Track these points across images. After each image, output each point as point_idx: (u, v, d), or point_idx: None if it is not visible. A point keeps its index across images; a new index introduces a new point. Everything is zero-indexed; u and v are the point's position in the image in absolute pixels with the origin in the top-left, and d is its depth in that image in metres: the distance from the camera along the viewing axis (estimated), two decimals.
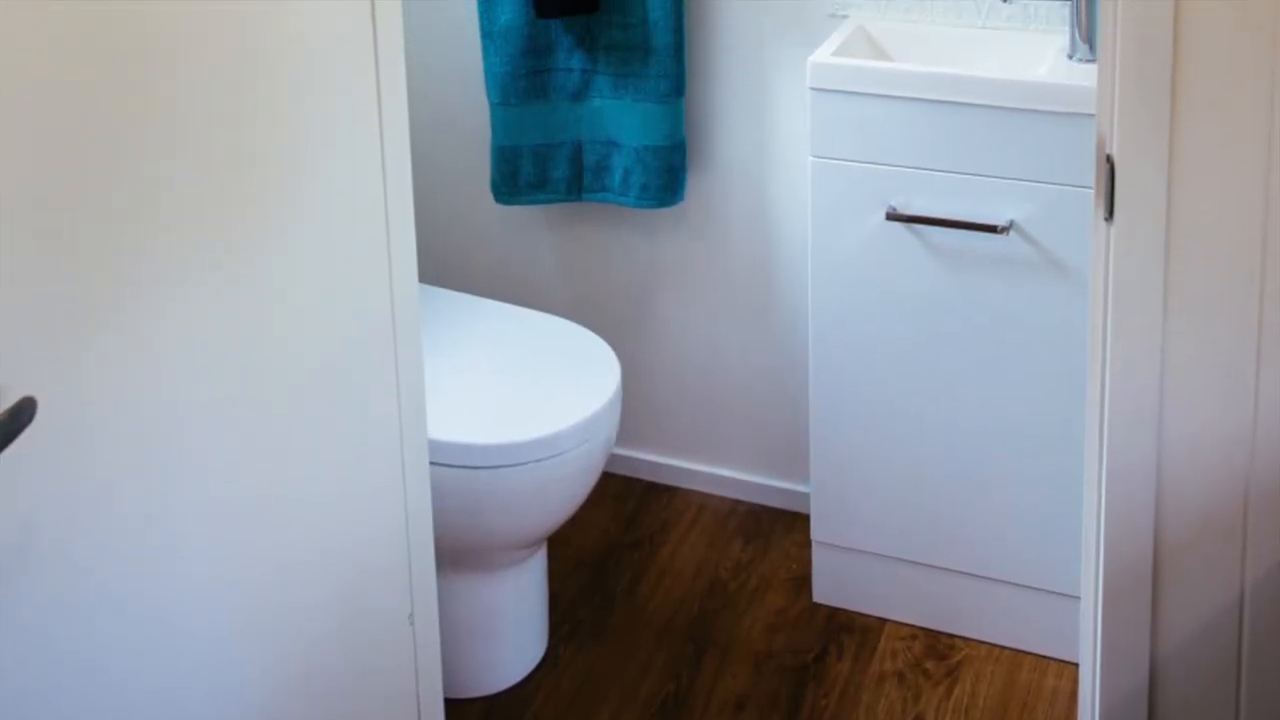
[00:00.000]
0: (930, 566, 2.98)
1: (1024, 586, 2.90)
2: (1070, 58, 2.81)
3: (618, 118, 3.19)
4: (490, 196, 3.39)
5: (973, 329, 2.81)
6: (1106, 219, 1.77)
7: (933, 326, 2.84)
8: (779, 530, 3.36)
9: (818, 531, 3.08)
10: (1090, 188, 1.83)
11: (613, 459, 3.26)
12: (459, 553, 2.70)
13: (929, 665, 2.94)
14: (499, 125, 3.25)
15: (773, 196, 3.24)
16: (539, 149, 3.26)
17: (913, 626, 3.04)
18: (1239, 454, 1.78)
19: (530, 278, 3.54)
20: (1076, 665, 2.42)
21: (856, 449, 2.97)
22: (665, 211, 3.33)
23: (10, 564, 1.40)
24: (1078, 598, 2.04)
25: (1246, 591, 1.81)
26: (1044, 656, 2.93)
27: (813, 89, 2.80)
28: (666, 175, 3.17)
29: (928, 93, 2.72)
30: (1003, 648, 2.96)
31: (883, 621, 3.05)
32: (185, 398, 1.62)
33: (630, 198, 3.22)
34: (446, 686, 2.35)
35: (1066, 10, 2.84)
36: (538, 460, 2.66)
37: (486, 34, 3.19)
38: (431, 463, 2.17)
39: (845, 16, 3.04)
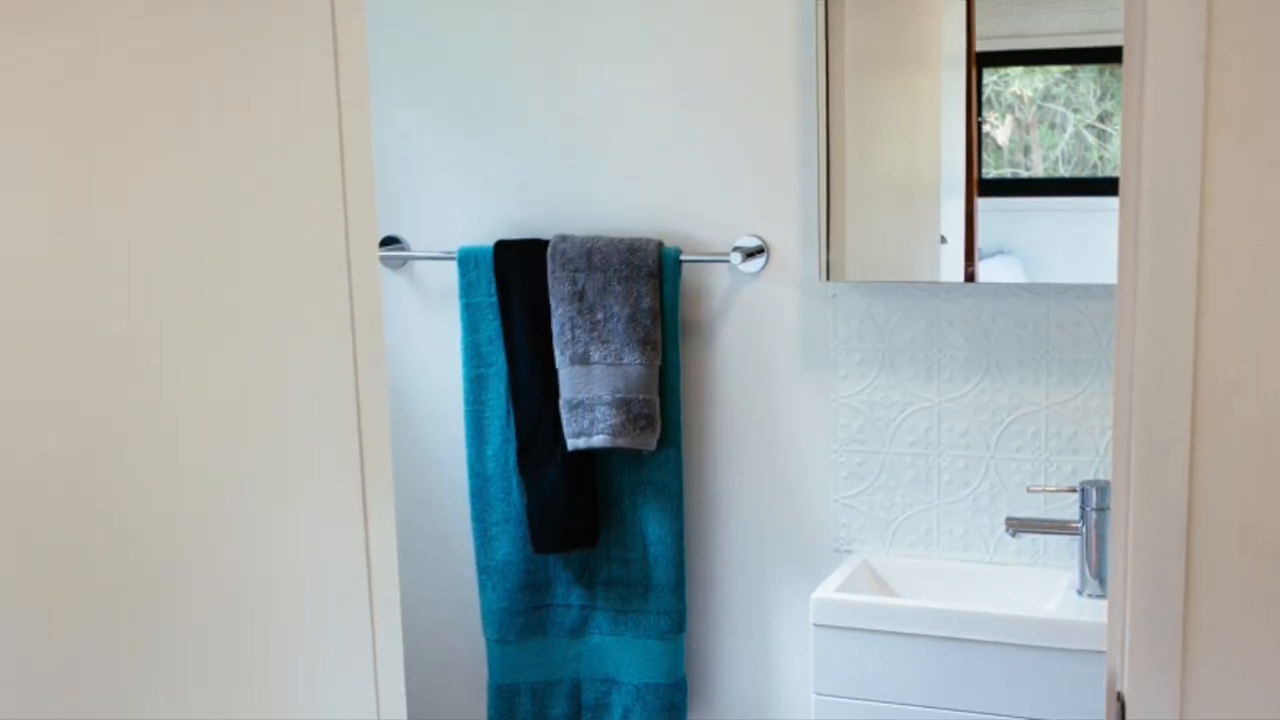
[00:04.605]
0: None
1: None
2: (1080, 593, 2.77)
3: (617, 655, 3.12)
4: None
5: None
6: None
7: None
8: None
9: None
10: None
11: None
12: None
13: None
14: (496, 663, 3.18)
15: None
16: (537, 687, 3.18)
17: None
18: None
19: None
20: None
21: None
22: None
23: None
24: None
25: None
26: None
27: (816, 625, 2.75)
28: (667, 714, 3.07)
29: (934, 629, 2.67)
30: None
31: None
32: None
33: None
34: None
35: (1076, 545, 2.82)
36: None
37: (484, 569, 3.16)
38: None
39: (849, 551, 3.02)
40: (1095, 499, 2.73)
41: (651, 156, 3.04)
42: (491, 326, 3.10)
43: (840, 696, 2.74)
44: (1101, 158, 2.79)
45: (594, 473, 3.09)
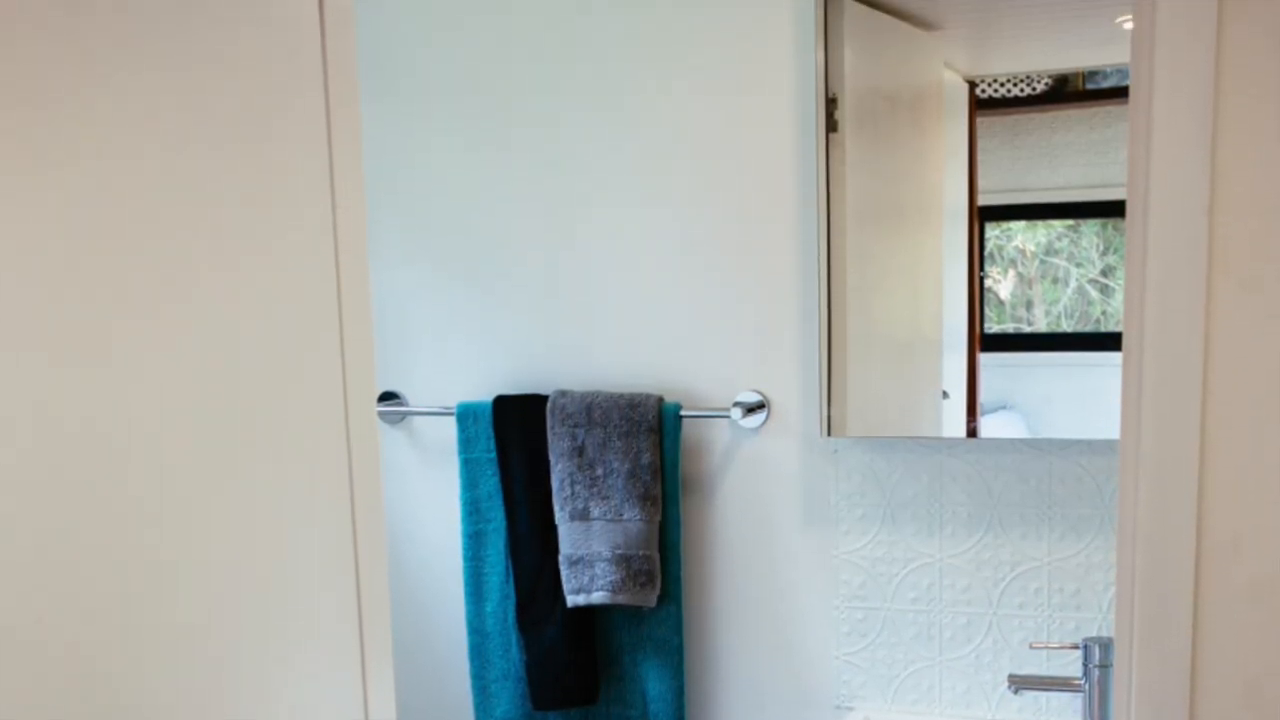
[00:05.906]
0: None
1: None
2: None
3: None
4: None
5: None
6: None
7: None
8: None
9: None
10: None
11: None
12: None
13: None
14: None
15: None
16: None
17: None
18: None
19: None
20: None
21: None
22: None
23: None
24: None
25: None
26: None
27: None
28: None
29: None
30: None
31: None
32: None
33: None
34: None
35: (1079, 702, 2.78)
36: None
37: None
38: None
39: (851, 708, 2.98)
40: (1098, 656, 2.70)
41: (651, 311, 3.05)
42: (490, 482, 3.09)
43: None
44: (1104, 313, 2.79)
45: (594, 629, 3.06)
